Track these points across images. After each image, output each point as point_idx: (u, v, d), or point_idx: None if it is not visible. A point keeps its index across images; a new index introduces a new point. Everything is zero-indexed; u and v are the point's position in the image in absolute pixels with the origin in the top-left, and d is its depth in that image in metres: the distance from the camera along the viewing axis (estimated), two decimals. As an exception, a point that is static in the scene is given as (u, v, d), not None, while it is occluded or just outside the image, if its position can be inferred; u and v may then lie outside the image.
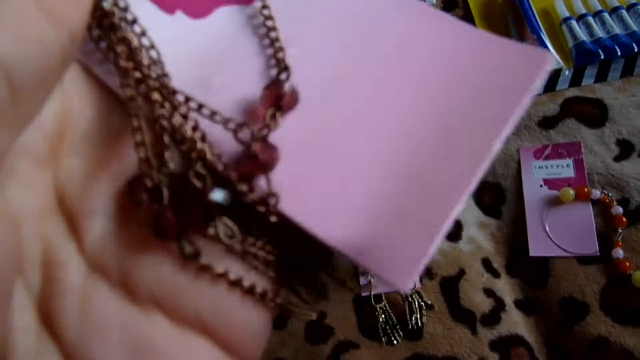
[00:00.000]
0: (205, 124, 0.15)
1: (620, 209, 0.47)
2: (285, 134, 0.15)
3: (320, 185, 0.15)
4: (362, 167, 0.16)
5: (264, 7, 0.17)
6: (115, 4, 0.15)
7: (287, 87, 0.16)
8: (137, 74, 0.14)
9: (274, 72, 0.16)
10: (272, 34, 0.17)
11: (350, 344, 0.45)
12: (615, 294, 0.44)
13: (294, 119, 0.16)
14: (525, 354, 0.44)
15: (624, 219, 0.46)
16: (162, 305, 0.14)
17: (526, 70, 0.16)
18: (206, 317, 0.15)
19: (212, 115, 0.15)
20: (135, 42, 0.15)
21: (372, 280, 0.47)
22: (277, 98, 0.15)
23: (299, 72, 0.16)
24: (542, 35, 0.56)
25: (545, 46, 0.56)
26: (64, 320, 0.14)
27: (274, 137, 0.15)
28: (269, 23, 0.17)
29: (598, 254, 0.46)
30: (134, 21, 0.15)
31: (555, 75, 0.56)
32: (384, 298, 0.47)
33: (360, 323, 0.46)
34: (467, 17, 0.62)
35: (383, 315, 0.46)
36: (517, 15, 0.58)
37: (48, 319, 0.14)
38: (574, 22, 0.57)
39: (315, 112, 0.16)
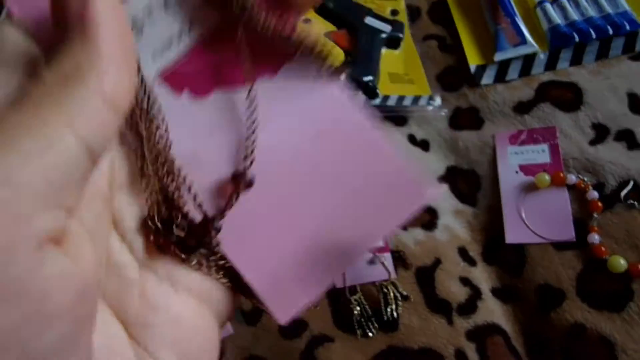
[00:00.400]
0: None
1: (595, 194, 0.46)
2: (240, 202, 0.22)
3: (255, 239, 0.22)
4: (286, 231, 0.22)
5: (251, 98, 0.22)
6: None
7: (249, 174, 0.22)
8: (149, 144, 0.21)
9: (244, 156, 0.22)
10: (252, 121, 0.22)
11: (325, 338, 0.44)
12: (591, 280, 0.43)
13: (249, 193, 0.22)
14: (502, 342, 0.43)
15: (600, 204, 0.45)
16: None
17: (406, 202, 0.22)
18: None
19: (189, 188, 0.22)
20: (154, 121, 0.21)
21: (345, 272, 0.46)
22: (240, 182, 0.21)
23: (261, 156, 0.22)
24: (516, 18, 0.56)
25: (520, 30, 0.55)
26: (129, 306, 0.20)
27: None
28: (252, 111, 0.22)
29: (574, 239, 0.45)
30: (154, 102, 0.21)
31: (530, 59, 0.55)
32: (358, 290, 0.46)
33: (335, 316, 0.45)
34: (442, 2, 0.61)
35: (358, 308, 0.45)
36: (491, -1, 0.57)
37: (115, 307, 0.20)
38: (548, 5, 0.56)
39: (263, 190, 0.22)
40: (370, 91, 0.53)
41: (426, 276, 0.45)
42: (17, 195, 0.14)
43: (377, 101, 0.53)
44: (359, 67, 0.53)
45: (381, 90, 0.53)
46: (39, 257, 0.14)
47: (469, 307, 0.44)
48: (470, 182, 0.51)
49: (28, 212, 0.14)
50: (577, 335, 0.42)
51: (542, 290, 0.44)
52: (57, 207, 0.15)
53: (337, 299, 0.46)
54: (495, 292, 0.46)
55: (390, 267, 0.46)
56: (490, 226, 0.49)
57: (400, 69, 0.56)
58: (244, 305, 0.47)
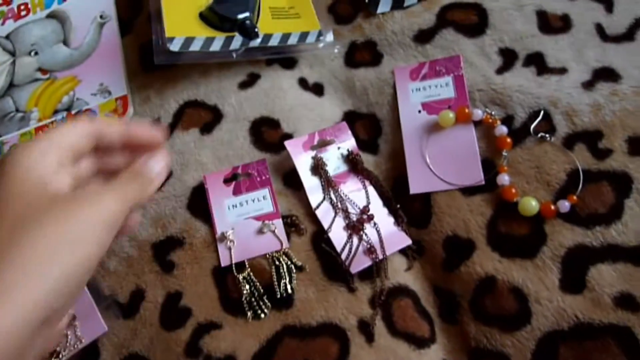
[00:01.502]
0: None
1: (504, 129, 0.41)
2: None
3: None
4: None
5: None
6: None
7: None
8: None
9: None
10: None
11: (212, 325, 0.38)
12: (502, 225, 0.39)
13: None
14: (409, 304, 0.39)
15: (509, 140, 0.40)
16: None
17: None
18: None
19: None
20: None
21: (231, 247, 0.40)
22: None
23: None
24: None
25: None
26: None
27: None
28: None
29: (483, 182, 0.40)
30: None
31: (429, -20, 0.48)
32: (247, 266, 0.40)
33: (222, 299, 0.39)
34: None
35: (247, 286, 0.39)
36: None
37: None
38: None
39: None
40: (247, 31, 0.45)
41: (322, 241, 0.40)
42: None
43: (257, 42, 0.45)
44: (231, 2, 0.45)
45: (261, 29, 0.45)
46: None
47: (371, 269, 0.39)
48: (370, 128, 0.45)
49: None
50: (488, 288, 0.37)
51: (450, 242, 0.40)
52: None
53: (223, 279, 0.40)
54: (401, 248, 0.41)
55: (282, 236, 0.40)
56: (394, 174, 0.43)
57: (284, 1, 0.48)
58: (119, 297, 0.41)
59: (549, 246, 0.37)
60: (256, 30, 0.45)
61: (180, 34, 0.43)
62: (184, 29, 0.44)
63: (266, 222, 0.40)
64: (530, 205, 0.38)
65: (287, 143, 0.42)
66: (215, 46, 0.44)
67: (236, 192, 0.42)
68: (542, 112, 0.41)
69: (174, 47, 0.43)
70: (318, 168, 0.41)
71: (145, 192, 0.27)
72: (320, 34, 0.47)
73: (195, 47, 0.43)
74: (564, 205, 0.38)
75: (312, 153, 0.42)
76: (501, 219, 0.39)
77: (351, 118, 0.45)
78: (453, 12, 0.46)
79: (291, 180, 0.42)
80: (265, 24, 0.46)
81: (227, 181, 0.42)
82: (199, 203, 0.42)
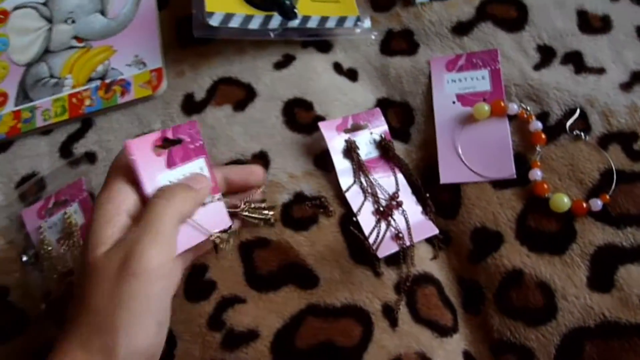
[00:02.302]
0: None
1: (539, 125, 0.41)
2: None
3: None
4: None
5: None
6: None
7: None
8: None
9: None
10: None
11: (236, 299, 0.39)
12: (532, 220, 0.39)
13: None
14: (434, 293, 0.39)
15: (543, 136, 0.40)
16: None
17: None
18: None
19: None
20: None
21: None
22: None
23: None
24: None
25: (459, -64, 0.47)
26: None
27: None
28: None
29: (514, 176, 0.40)
30: None
31: (470, -28, 0.48)
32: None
33: (247, 274, 0.39)
34: None
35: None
36: None
37: None
38: None
39: None
40: (287, 11, 0.45)
41: (350, 224, 0.40)
42: None
43: (296, 23, 0.45)
44: (273, -19, 0.45)
45: (300, 10, 0.45)
46: None
47: (398, 255, 0.39)
48: (403, 116, 0.45)
49: None
50: (515, 281, 0.37)
51: (478, 233, 0.40)
52: None
53: (249, 255, 0.40)
54: (428, 237, 0.41)
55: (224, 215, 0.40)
56: (424, 164, 0.43)
57: (324, -15, 0.48)
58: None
59: (579, 243, 0.37)
60: (295, 10, 0.45)
61: (220, 9, 0.43)
62: (224, 5, 0.44)
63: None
64: (562, 201, 0.38)
65: (321, 124, 0.42)
66: (254, 24, 0.44)
67: (170, 164, 0.35)
68: (578, 111, 0.41)
69: (214, 21, 0.43)
70: (350, 151, 0.41)
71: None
72: (358, 19, 0.47)
73: (235, 23, 0.43)
74: (596, 203, 0.38)
75: (345, 136, 0.42)
76: (531, 213, 0.39)
77: (384, 105, 0.45)
78: (493, 6, 0.46)
79: (322, 161, 0.42)
80: (304, 6, 0.46)
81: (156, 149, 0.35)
82: (228, 178, 0.42)
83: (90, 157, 0.46)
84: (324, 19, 0.46)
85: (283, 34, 0.45)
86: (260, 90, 0.46)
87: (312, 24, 0.45)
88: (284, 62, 0.47)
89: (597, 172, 0.39)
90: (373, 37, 0.47)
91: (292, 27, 0.45)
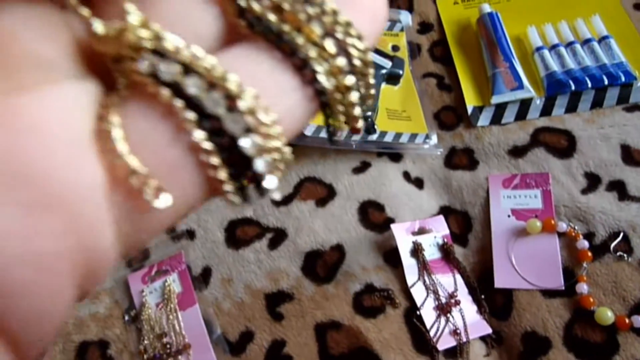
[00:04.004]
0: None
1: (585, 243, 0.46)
2: None
3: None
4: None
5: None
6: None
7: None
8: None
9: None
10: None
11: (309, 374, 0.44)
12: (578, 330, 0.44)
13: None
14: (486, 388, 0.43)
15: (589, 254, 0.46)
16: None
17: None
18: None
19: None
20: None
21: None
22: None
23: None
24: (514, 62, 0.56)
25: (517, 74, 0.56)
26: None
27: None
28: None
29: (562, 287, 0.45)
30: None
31: (526, 104, 0.56)
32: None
33: (320, 352, 0.45)
34: (442, 41, 0.62)
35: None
36: (490, 42, 0.58)
37: None
38: (546, 52, 0.57)
39: None
40: (368, 126, 0.53)
41: (415, 317, 0.45)
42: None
43: (375, 137, 0.53)
44: (358, 102, 0.54)
45: (379, 126, 0.54)
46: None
47: (455, 350, 0.44)
48: (462, 223, 0.51)
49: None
50: (562, 385, 0.42)
51: (528, 337, 0.44)
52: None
53: (323, 335, 0.45)
54: (482, 336, 0.46)
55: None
56: (480, 267, 0.49)
57: (398, 105, 0.57)
58: (229, 336, 0.47)
59: (621, 356, 0.42)
60: (375, 127, 0.54)
61: (313, 121, 0.52)
62: (316, 119, 0.53)
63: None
64: (607, 315, 0.43)
65: (393, 226, 0.48)
66: (342, 135, 0.52)
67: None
68: (621, 234, 0.46)
69: (307, 131, 0.51)
70: (417, 252, 0.48)
71: None
72: (427, 136, 0.55)
73: (324, 133, 0.52)
74: (638, 320, 0.42)
75: (413, 238, 0.49)
76: (577, 323, 0.44)
77: (446, 212, 0.52)
78: (545, 134, 0.54)
79: (391, 258, 0.49)
80: (382, 122, 0.55)
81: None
82: (310, 265, 0.49)
83: (190, 234, 0.54)
84: (398, 135, 0.54)
85: (363, 145, 0.53)
86: (339, 190, 0.53)
87: (388, 138, 0.54)
88: (362, 168, 0.55)
89: (638, 291, 0.44)
90: (439, 152, 0.55)
91: (371, 140, 0.53)
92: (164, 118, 0.11)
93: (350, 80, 0.12)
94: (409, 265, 0.48)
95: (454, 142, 0.56)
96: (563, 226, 0.47)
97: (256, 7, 0.12)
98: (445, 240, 0.49)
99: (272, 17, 0.12)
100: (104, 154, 0.10)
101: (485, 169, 0.53)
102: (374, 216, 0.51)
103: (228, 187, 0.11)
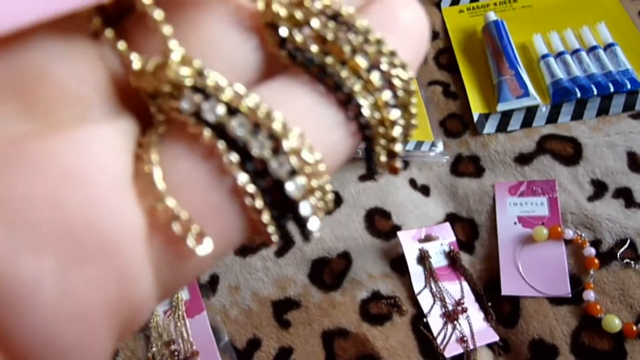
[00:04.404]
0: None
1: (592, 251, 0.46)
2: None
3: None
4: None
5: None
6: None
7: None
8: None
9: None
10: None
11: (316, 382, 0.44)
12: (586, 337, 0.44)
13: None
14: (493, 396, 0.43)
15: (596, 261, 0.46)
16: None
17: None
18: None
19: None
20: None
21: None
22: None
23: None
24: (520, 70, 0.57)
25: (523, 82, 0.56)
26: None
27: None
28: None
29: (569, 295, 0.45)
30: None
31: (532, 112, 0.56)
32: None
33: (328, 359, 0.45)
34: (448, 49, 0.62)
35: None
36: (495, 50, 0.58)
37: None
38: (551, 59, 0.57)
39: None
40: (374, 134, 0.54)
41: (420, 324, 0.45)
42: None
43: (380, 144, 0.54)
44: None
45: (385, 134, 0.54)
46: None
47: (462, 357, 0.44)
48: (469, 231, 0.52)
49: None
50: (569, 393, 0.42)
51: (535, 344, 0.44)
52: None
53: (330, 342, 0.46)
54: (489, 343, 0.46)
55: (386, 313, 0.46)
56: (487, 275, 0.49)
57: (405, 113, 0.57)
58: (237, 343, 0.47)
59: (629, 364, 0.42)
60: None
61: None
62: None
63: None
64: (614, 323, 0.43)
65: (399, 233, 0.49)
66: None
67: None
68: (628, 241, 0.46)
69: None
70: (423, 259, 0.48)
71: None
72: (433, 144, 0.55)
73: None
74: (646, 328, 0.42)
75: (419, 245, 0.49)
76: (585, 331, 0.44)
77: (452, 219, 0.52)
78: (551, 142, 0.54)
79: (397, 265, 0.49)
80: (388, 130, 0.55)
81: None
82: (317, 272, 0.49)
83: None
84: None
85: (369, 153, 0.54)
86: (346, 198, 0.54)
87: (394, 146, 0.54)
88: (368, 176, 0.55)
89: (646, 298, 0.44)
90: (445, 159, 0.55)
91: (377, 147, 0.54)
92: (206, 159, 0.10)
93: (395, 114, 0.12)
94: (416, 272, 0.48)
95: (460, 150, 0.56)
96: (570, 233, 0.47)
97: (298, 37, 0.11)
98: (452, 247, 0.50)
99: (314, 48, 0.11)
100: (143, 197, 0.10)
101: (492, 176, 0.54)
102: (381, 224, 0.52)
103: (271, 229, 0.11)
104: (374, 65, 0.12)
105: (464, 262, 0.50)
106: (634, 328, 0.42)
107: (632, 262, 0.45)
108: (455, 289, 0.48)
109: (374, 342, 0.45)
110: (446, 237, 0.50)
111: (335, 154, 0.12)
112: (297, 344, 0.46)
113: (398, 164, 0.13)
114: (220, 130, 0.10)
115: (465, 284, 0.48)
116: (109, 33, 0.11)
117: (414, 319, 0.46)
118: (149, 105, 0.11)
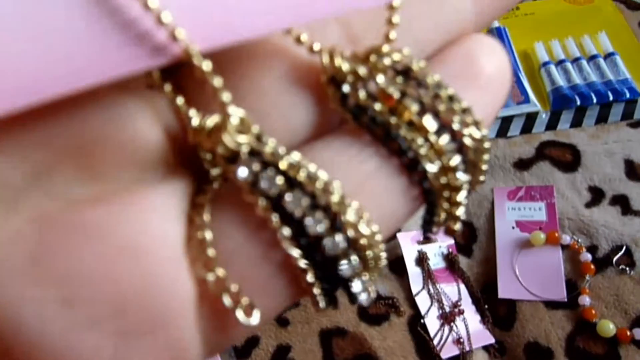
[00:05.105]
0: None
1: (588, 256, 0.47)
2: None
3: None
4: None
5: None
6: None
7: None
8: None
9: None
10: None
11: (314, 380, 0.45)
12: (580, 341, 0.44)
13: None
14: (488, 397, 0.44)
15: (592, 267, 0.46)
16: None
17: None
18: None
19: None
20: None
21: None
22: None
23: None
24: (520, 77, 0.57)
25: (524, 88, 0.57)
26: None
27: None
28: None
29: (565, 299, 0.46)
30: None
31: (532, 118, 0.56)
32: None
33: (326, 358, 0.45)
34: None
35: (348, 352, 0.45)
36: (498, 56, 0.59)
37: None
38: (552, 67, 0.58)
39: None
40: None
41: (418, 325, 0.46)
42: None
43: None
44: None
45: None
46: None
47: (458, 358, 0.45)
48: (467, 234, 0.52)
49: None
50: (563, 396, 0.42)
51: (530, 347, 0.45)
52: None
53: (328, 341, 0.46)
54: (485, 346, 0.46)
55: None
56: (484, 278, 0.50)
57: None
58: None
59: (623, 368, 0.42)
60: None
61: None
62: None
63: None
64: (608, 327, 0.43)
65: (399, 235, 0.49)
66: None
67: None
68: (624, 248, 0.47)
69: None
70: (422, 261, 0.49)
71: None
72: (433, 148, 0.56)
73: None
74: (639, 333, 0.43)
75: (418, 247, 0.49)
76: (579, 335, 0.44)
77: (451, 222, 0.53)
78: (550, 148, 0.54)
79: (396, 267, 0.49)
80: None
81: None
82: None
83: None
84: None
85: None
86: (346, 198, 0.54)
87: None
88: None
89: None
90: (445, 163, 0.56)
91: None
92: (259, 230, 0.10)
93: (462, 178, 0.11)
94: (414, 274, 0.48)
95: (460, 154, 0.57)
96: (567, 239, 0.48)
97: (362, 94, 0.10)
98: (450, 250, 0.50)
99: (378, 106, 0.10)
100: (194, 264, 0.10)
101: (491, 181, 0.54)
102: (380, 225, 0.52)
103: (320, 299, 0.10)
104: (443, 126, 0.11)
105: (462, 264, 0.50)
106: (628, 333, 0.43)
107: (627, 269, 0.46)
108: (452, 291, 0.48)
109: (372, 342, 0.45)
110: (445, 239, 0.51)
111: (393, 220, 0.11)
112: (295, 342, 0.47)
113: (457, 226, 0.12)
114: (275, 201, 0.10)
115: (462, 286, 0.49)
116: (167, 87, 0.10)
117: (412, 320, 0.47)
118: (203, 161, 0.10)
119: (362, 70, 0.11)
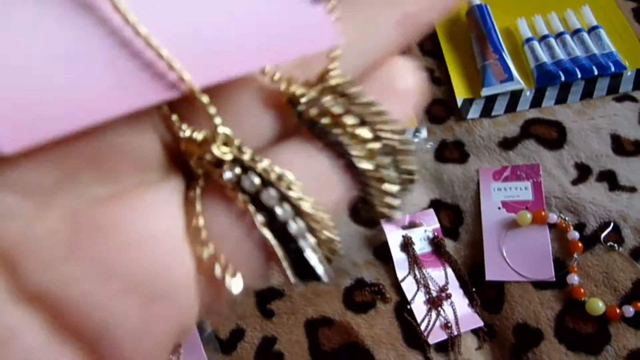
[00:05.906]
0: None
1: (576, 234, 0.46)
2: None
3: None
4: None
5: None
6: None
7: None
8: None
9: None
10: None
11: (300, 371, 0.44)
12: (570, 321, 0.43)
13: None
14: (478, 381, 0.43)
15: (580, 245, 0.46)
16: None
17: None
18: None
19: None
20: None
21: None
22: None
23: None
24: (504, 55, 0.56)
25: (507, 66, 0.55)
26: None
27: None
28: None
29: (554, 279, 0.45)
30: None
31: (516, 96, 0.55)
32: (336, 322, 0.45)
33: (311, 349, 0.45)
34: (432, 35, 0.61)
35: (335, 341, 0.44)
36: (479, 34, 0.58)
37: None
38: (535, 43, 0.57)
39: None
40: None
41: (404, 311, 0.45)
42: None
43: (364, 131, 0.53)
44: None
45: (368, 121, 0.54)
46: None
47: (448, 344, 0.44)
48: (453, 217, 0.51)
49: None
50: (554, 377, 0.41)
51: (520, 329, 0.44)
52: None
53: (314, 331, 0.45)
54: (473, 329, 0.45)
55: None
56: (471, 261, 0.49)
57: (388, 99, 0.57)
58: (220, 334, 0.47)
59: (613, 346, 0.41)
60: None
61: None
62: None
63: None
64: (597, 306, 0.43)
65: (383, 221, 0.48)
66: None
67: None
68: (612, 224, 0.46)
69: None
70: (407, 246, 0.48)
71: None
72: (417, 130, 0.55)
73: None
74: (629, 310, 0.42)
75: (403, 232, 0.48)
76: (569, 315, 0.44)
77: (437, 206, 0.52)
78: (536, 126, 0.53)
79: (381, 253, 0.48)
80: (372, 117, 0.54)
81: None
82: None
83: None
84: (387, 129, 0.54)
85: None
86: (329, 186, 0.53)
87: (377, 132, 0.53)
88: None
89: (629, 281, 0.44)
90: (429, 146, 0.55)
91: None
92: (240, 217, 0.13)
93: (391, 174, 0.14)
94: (399, 259, 0.47)
95: (444, 136, 0.56)
96: (554, 217, 0.47)
97: (313, 112, 0.14)
98: (436, 234, 0.49)
99: (326, 121, 0.14)
100: (192, 245, 0.13)
101: (476, 162, 0.53)
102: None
103: (288, 273, 0.14)
104: (376, 135, 0.14)
105: (449, 248, 0.49)
106: (618, 311, 0.42)
107: (616, 245, 0.45)
108: (439, 275, 0.47)
109: (359, 330, 0.44)
110: (430, 223, 0.50)
111: (339, 207, 0.14)
112: (281, 333, 0.46)
113: (392, 213, 0.15)
114: (253, 196, 0.13)
115: (449, 270, 0.48)
116: (165, 109, 0.13)
117: (398, 306, 0.46)
118: (189, 163, 0.14)
119: (311, 94, 0.14)
